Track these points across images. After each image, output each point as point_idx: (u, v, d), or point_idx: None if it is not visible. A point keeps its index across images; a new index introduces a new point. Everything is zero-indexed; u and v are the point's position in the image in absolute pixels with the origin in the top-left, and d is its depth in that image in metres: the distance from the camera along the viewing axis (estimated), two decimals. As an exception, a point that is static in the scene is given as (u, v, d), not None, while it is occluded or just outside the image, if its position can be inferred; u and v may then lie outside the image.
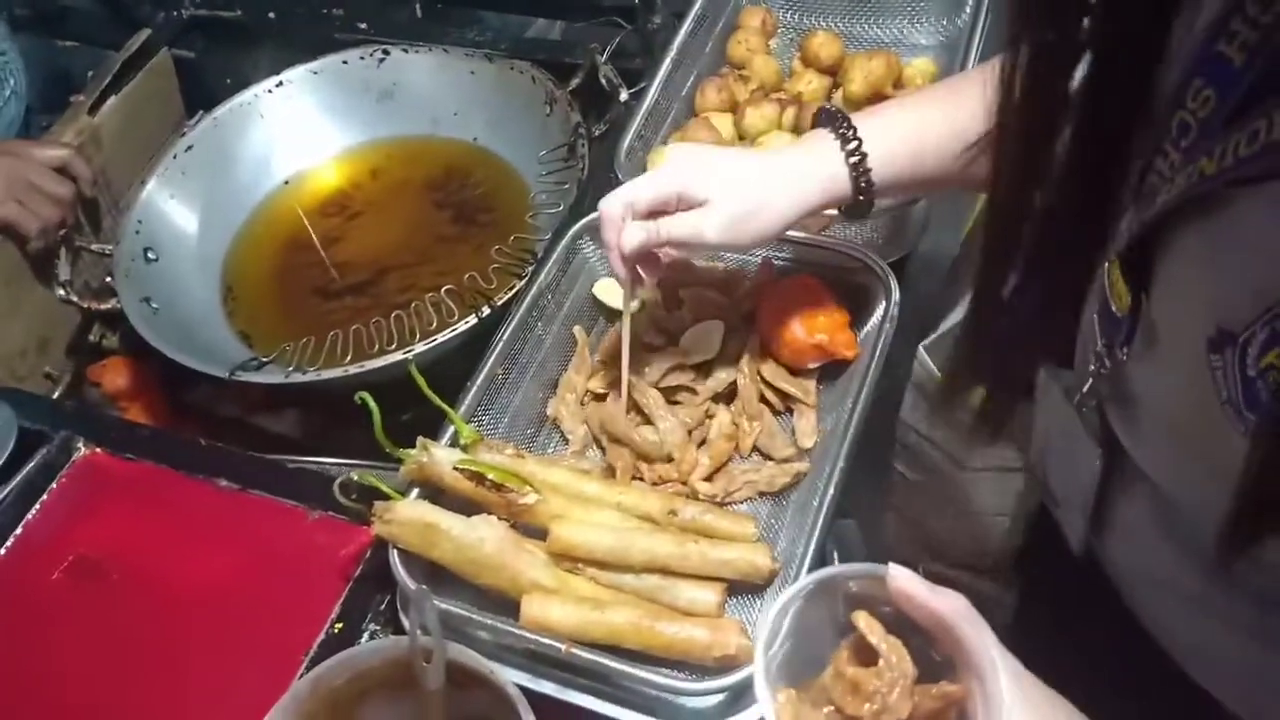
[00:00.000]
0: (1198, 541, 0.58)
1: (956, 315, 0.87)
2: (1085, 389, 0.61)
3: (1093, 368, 0.60)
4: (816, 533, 0.75)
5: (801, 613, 0.56)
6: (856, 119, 0.77)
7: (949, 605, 0.51)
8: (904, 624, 0.54)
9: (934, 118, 0.76)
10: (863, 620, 0.53)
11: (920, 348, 0.84)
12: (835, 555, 0.85)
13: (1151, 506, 0.61)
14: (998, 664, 0.49)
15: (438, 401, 0.80)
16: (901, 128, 0.77)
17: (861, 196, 0.76)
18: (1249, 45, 0.42)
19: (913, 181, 0.78)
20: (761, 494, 0.84)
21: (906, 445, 0.99)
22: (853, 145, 0.75)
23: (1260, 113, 0.41)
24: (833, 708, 0.52)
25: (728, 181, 0.75)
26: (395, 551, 0.74)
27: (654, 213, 0.76)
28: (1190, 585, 0.60)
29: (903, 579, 0.53)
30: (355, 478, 0.76)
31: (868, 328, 0.88)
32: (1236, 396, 0.45)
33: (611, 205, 0.76)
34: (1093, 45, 0.45)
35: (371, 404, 0.74)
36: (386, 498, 0.76)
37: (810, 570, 0.74)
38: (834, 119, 0.77)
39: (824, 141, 0.76)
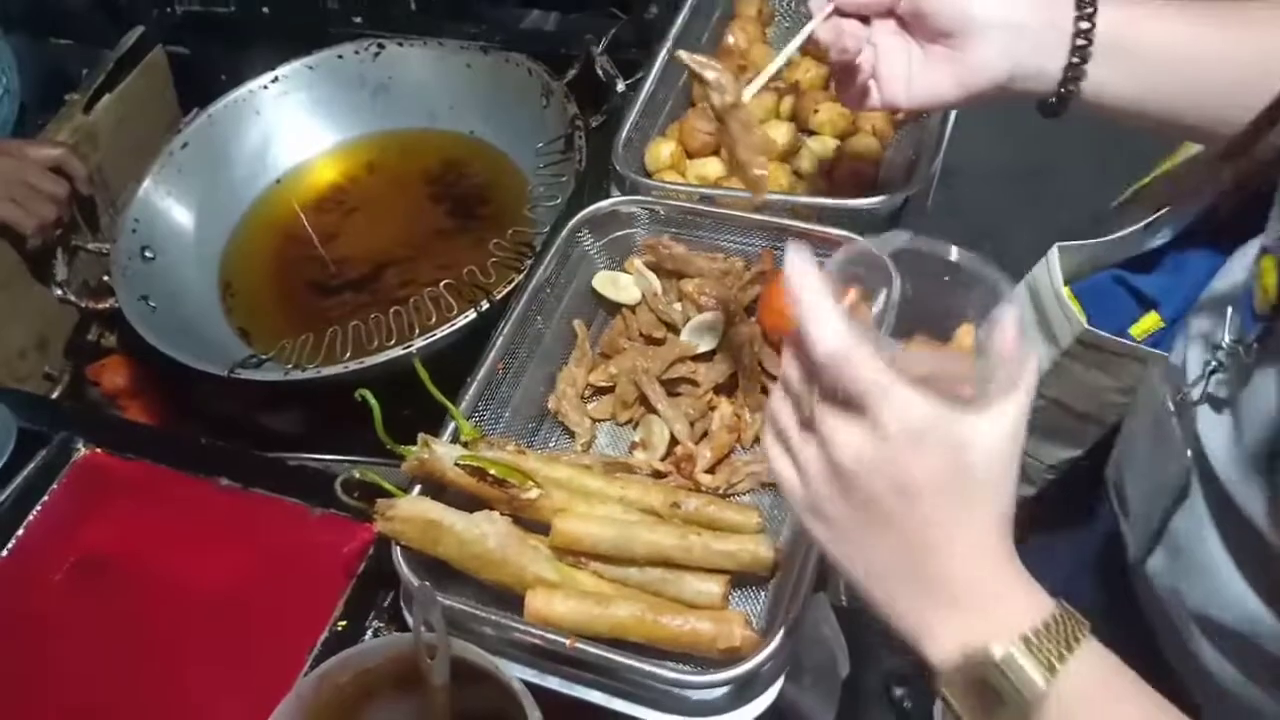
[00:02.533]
0: (1271, 576, 0.56)
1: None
2: (1190, 389, 0.60)
3: (1212, 363, 0.58)
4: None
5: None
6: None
7: None
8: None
9: (1212, 41, 0.66)
10: None
11: (1055, 246, 0.83)
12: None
13: (1219, 529, 0.59)
14: None
15: (440, 397, 0.79)
16: (1160, 32, 0.67)
17: (1070, 77, 0.67)
18: None
19: (1140, 98, 0.68)
20: (764, 485, 0.84)
21: None
22: (1087, 11, 0.66)
23: None
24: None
25: None
26: (398, 548, 0.74)
27: None
28: (1238, 623, 0.59)
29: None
30: (357, 475, 0.75)
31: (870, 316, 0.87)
32: None
33: None
34: None
35: (372, 401, 0.73)
36: (388, 495, 0.76)
37: (815, 563, 0.73)
38: None
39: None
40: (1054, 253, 0.81)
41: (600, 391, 0.91)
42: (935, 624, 0.48)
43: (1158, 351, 0.79)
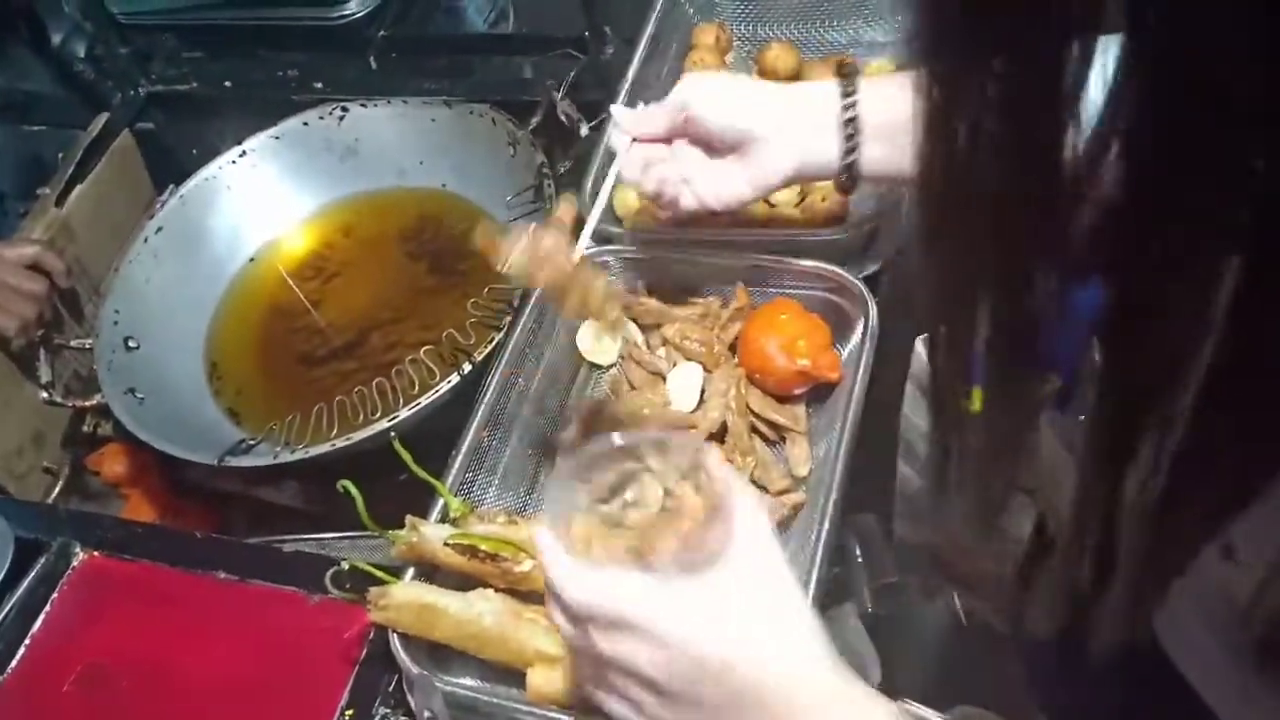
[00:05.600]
0: None
1: None
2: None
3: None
4: (816, 565, 0.74)
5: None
6: (867, 83, 0.76)
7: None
8: None
9: None
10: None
11: (918, 341, 0.82)
12: (856, 548, 0.85)
13: None
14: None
15: (424, 475, 0.79)
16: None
17: (848, 162, 0.76)
18: None
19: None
20: (761, 527, 0.83)
21: (909, 444, 0.97)
22: (850, 101, 0.75)
23: None
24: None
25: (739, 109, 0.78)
26: (395, 635, 0.74)
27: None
28: None
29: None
30: (345, 566, 0.75)
31: (850, 346, 0.86)
32: None
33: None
34: None
35: (354, 492, 0.73)
36: (382, 581, 0.75)
37: (815, 601, 0.73)
38: (845, 72, 0.77)
39: (828, 92, 0.76)
40: (918, 346, 0.81)
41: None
42: None
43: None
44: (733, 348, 0.91)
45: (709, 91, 0.79)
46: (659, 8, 1.12)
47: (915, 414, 0.91)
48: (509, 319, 0.95)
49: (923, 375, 0.84)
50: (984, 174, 0.36)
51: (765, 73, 1.09)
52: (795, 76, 1.07)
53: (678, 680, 0.49)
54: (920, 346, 0.82)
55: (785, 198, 0.99)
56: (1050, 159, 0.34)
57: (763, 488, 0.84)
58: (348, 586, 0.75)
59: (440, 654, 0.75)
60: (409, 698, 0.76)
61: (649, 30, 1.10)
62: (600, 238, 0.95)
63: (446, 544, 0.75)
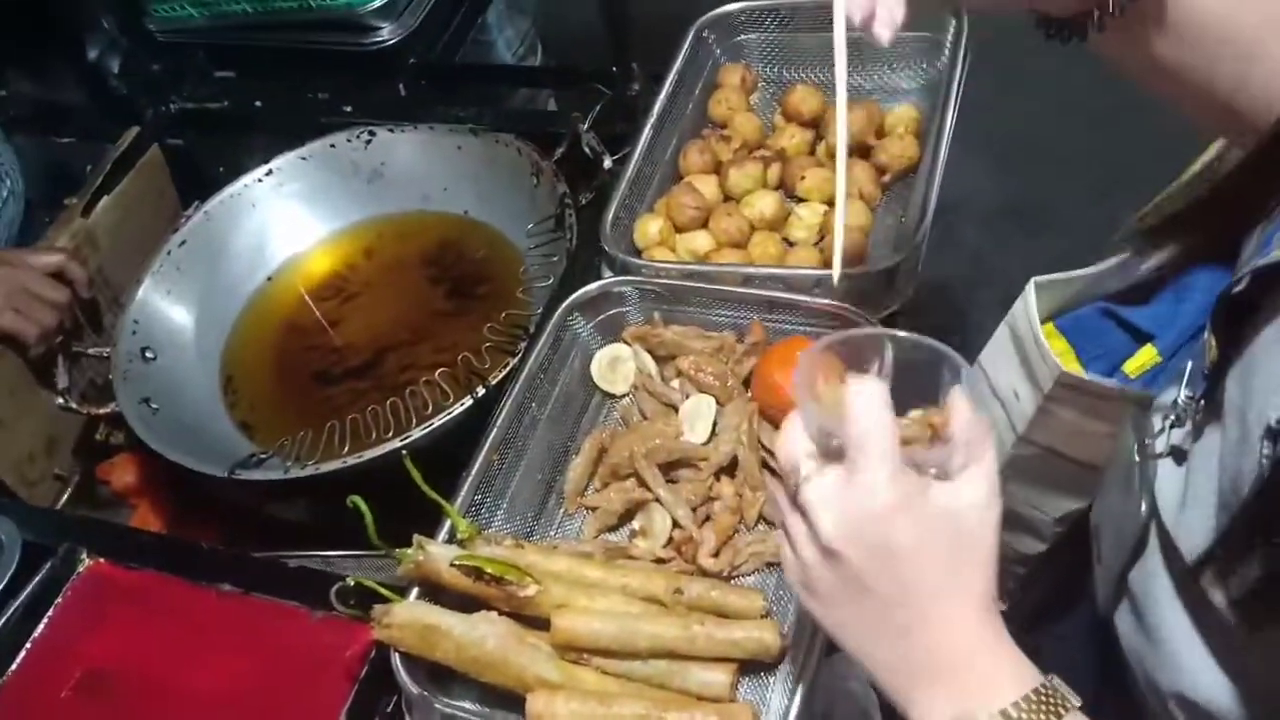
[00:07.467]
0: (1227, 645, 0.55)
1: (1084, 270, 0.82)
2: (1150, 440, 0.59)
3: (1171, 417, 0.57)
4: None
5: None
6: None
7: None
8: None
9: None
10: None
11: (1032, 282, 0.80)
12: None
13: (1174, 588, 0.58)
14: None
15: (434, 496, 0.79)
16: None
17: None
18: None
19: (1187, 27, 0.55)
20: (769, 565, 0.82)
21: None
22: None
23: None
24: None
25: None
26: (397, 655, 0.73)
27: None
28: (1209, 706, 0.57)
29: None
30: (351, 582, 0.75)
31: (865, 387, 0.86)
32: None
33: None
34: None
35: (363, 507, 0.73)
36: (386, 599, 0.75)
37: (822, 645, 0.72)
38: None
39: None
40: (1030, 288, 0.78)
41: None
42: (921, 694, 0.48)
43: (1143, 392, 0.74)
44: (746, 383, 0.91)
45: None
46: (686, 47, 1.14)
47: (993, 367, 0.89)
48: (524, 345, 0.96)
49: (1020, 327, 0.82)
50: None
51: (790, 115, 1.10)
52: (819, 119, 1.08)
53: (862, 549, 0.48)
54: (1031, 291, 0.79)
55: (804, 235, 1.00)
56: None
57: (770, 523, 0.84)
58: (352, 603, 0.75)
59: (441, 676, 0.75)
60: (407, 718, 0.76)
61: (675, 68, 1.12)
62: (620, 269, 0.96)
63: (452, 565, 0.75)
